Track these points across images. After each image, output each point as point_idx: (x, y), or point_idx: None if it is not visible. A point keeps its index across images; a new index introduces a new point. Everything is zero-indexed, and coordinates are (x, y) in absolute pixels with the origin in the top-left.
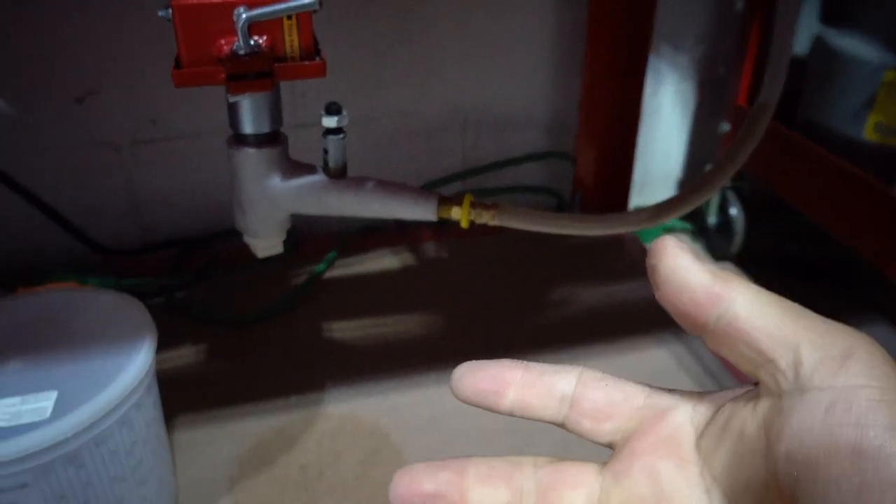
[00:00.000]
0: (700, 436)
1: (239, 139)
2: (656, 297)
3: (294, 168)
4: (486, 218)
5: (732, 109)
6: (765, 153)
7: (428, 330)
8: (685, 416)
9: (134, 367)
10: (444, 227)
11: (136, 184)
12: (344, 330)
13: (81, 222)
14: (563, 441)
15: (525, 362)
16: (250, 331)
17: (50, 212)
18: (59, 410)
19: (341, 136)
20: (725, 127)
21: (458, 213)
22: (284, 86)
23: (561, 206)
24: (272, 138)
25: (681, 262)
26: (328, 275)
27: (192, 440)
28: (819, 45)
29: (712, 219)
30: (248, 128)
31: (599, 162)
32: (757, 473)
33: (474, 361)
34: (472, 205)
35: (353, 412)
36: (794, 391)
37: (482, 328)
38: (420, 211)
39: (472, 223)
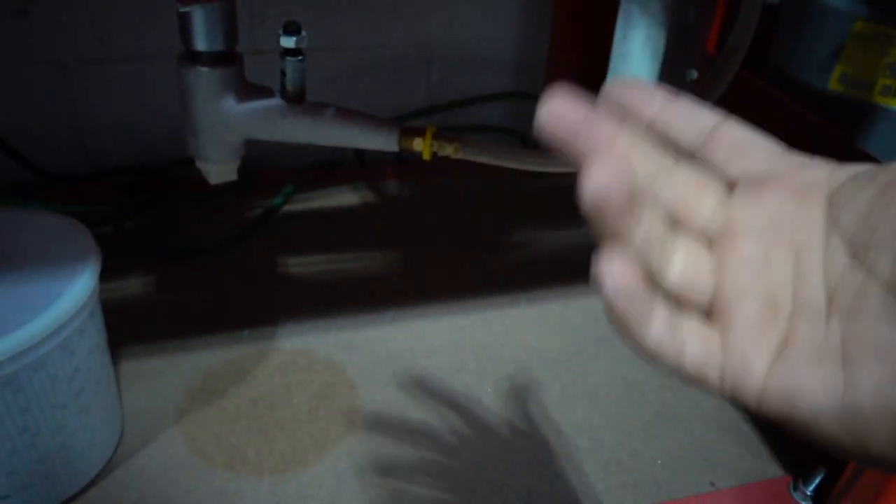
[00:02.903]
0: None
1: (191, 57)
2: None
3: (250, 90)
4: (450, 150)
5: (701, 56)
6: (730, 102)
7: (385, 267)
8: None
9: (75, 291)
10: (406, 166)
11: (83, 106)
12: (300, 265)
13: (24, 146)
14: (513, 385)
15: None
16: (203, 263)
17: None
18: None
19: (300, 57)
20: (693, 74)
21: (420, 145)
22: (242, 9)
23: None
24: (227, 57)
25: None
26: (285, 209)
27: (141, 371)
28: None
29: None
30: (200, 44)
31: None
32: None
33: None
34: (435, 136)
35: (307, 347)
36: None
37: (440, 268)
38: (381, 140)
39: (434, 156)
